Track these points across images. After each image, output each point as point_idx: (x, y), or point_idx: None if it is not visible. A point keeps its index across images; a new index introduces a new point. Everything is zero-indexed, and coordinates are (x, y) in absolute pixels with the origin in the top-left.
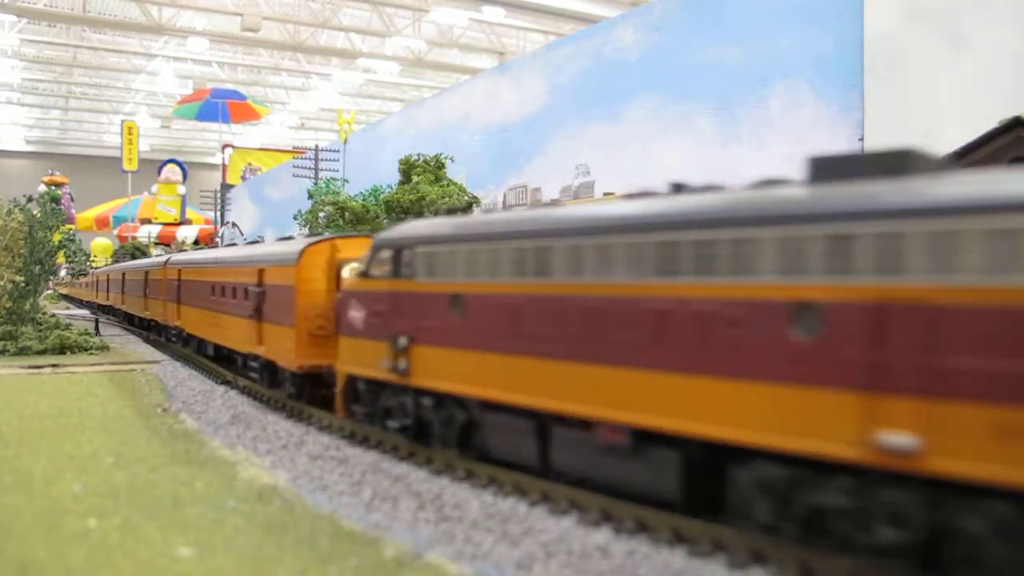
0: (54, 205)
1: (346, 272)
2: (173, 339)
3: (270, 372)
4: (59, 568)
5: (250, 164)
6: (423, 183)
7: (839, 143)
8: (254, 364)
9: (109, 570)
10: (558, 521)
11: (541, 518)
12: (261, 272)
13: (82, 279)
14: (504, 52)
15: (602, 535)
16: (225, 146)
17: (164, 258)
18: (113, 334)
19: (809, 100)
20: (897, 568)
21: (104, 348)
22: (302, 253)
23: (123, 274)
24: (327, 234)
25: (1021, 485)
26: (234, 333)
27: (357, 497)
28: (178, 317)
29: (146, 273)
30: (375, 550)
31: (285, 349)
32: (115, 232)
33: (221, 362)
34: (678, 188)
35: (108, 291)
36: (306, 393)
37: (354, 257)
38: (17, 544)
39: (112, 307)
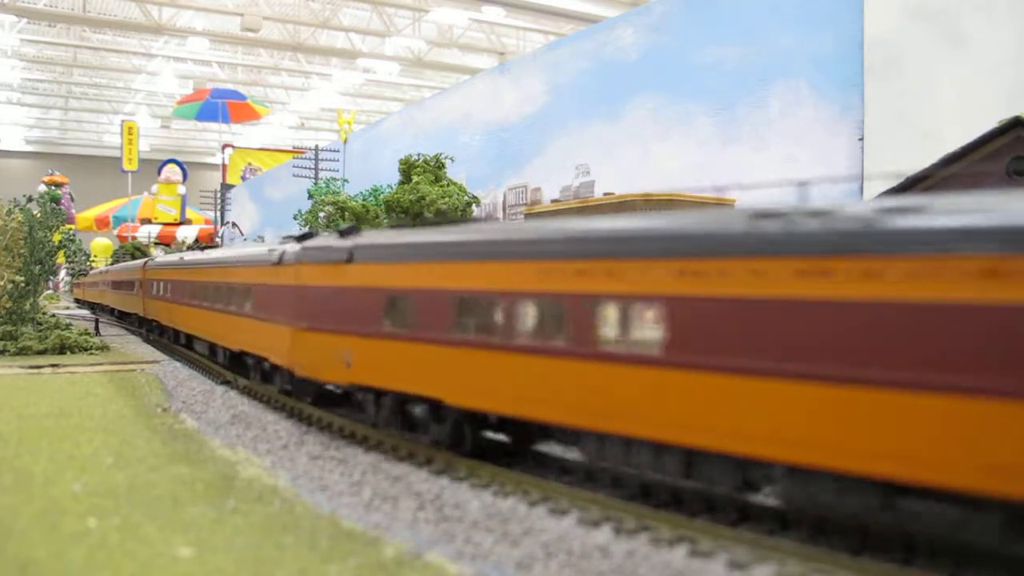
0: (54, 205)
1: None
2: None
3: None
4: (59, 568)
5: (250, 164)
6: (423, 183)
7: (839, 143)
8: None
9: (109, 570)
10: (558, 521)
11: (541, 518)
12: None
13: (85, 278)
14: (504, 52)
15: (602, 535)
16: (225, 146)
17: (286, 249)
18: (113, 334)
19: (809, 100)
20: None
21: (104, 348)
22: None
23: (185, 275)
24: None
25: None
26: None
27: (357, 497)
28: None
29: (249, 273)
30: (375, 550)
31: None
32: (115, 232)
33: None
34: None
35: (156, 295)
36: None
37: None
38: (17, 544)
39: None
